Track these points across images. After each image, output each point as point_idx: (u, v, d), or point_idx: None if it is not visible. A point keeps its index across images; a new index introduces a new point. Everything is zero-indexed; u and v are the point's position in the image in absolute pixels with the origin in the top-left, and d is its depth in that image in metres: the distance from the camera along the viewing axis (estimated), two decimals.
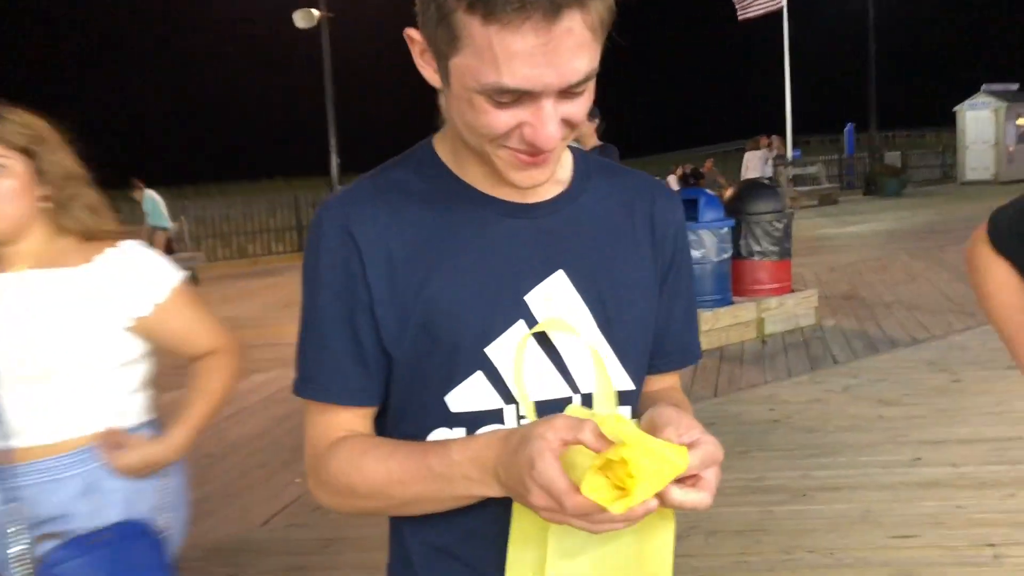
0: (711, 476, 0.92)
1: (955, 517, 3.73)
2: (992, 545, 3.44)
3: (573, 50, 0.91)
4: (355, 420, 1.11)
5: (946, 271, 10.47)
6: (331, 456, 1.08)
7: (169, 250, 14.60)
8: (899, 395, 5.59)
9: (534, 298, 1.07)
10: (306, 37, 16.78)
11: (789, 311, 7.85)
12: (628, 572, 0.97)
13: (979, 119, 25.83)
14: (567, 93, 0.95)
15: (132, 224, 14.71)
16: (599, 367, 1.06)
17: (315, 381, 1.10)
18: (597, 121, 5.86)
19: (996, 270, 1.48)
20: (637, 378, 1.15)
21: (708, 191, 7.95)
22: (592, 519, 0.88)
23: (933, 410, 5.23)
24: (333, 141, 16.44)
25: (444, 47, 0.95)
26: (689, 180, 18.94)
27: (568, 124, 0.98)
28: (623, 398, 1.11)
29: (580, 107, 0.97)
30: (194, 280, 14.69)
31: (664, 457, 0.86)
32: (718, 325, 7.32)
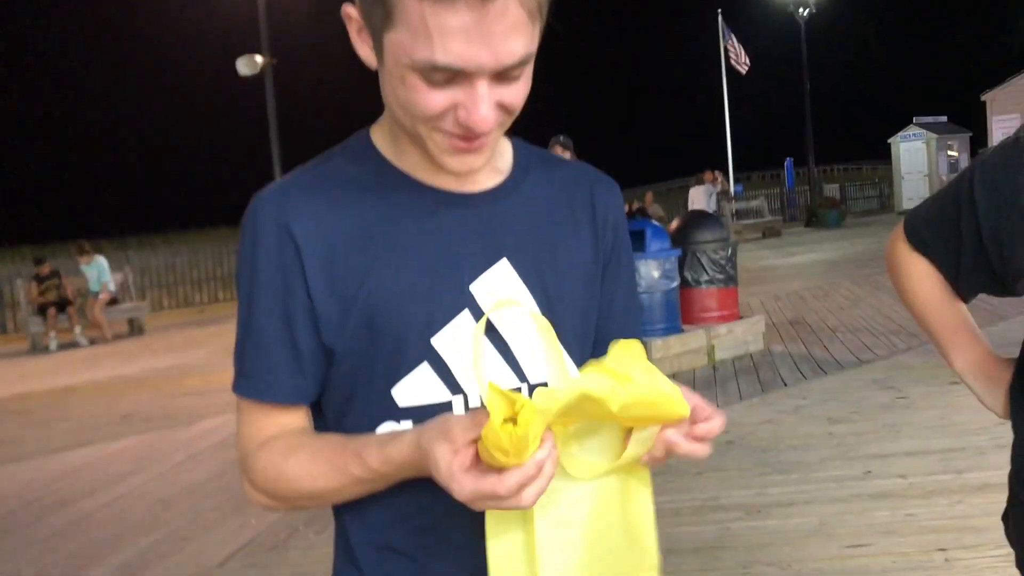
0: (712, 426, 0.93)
1: (906, 525, 3.81)
2: (943, 550, 3.51)
3: (508, 31, 0.90)
4: (287, 418, 1.08)
5: (887, 295, 10.72)
6: (257, 458, 1.06)
7: (113, 302, 14.33)
8: (848, 413, 5.71)
9: (479, 287, 1.05)
10: (249, 84, 16.76)
11: (738, 338, 7.97)
12: (615, 538, 0.97)
13: (912, 151, 26.65)
14: (503, 76, 0.93)
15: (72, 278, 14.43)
16: (549, 337, 1.02)
17: (249, 378, 1.07)
18: (569, 152, 5.95)
19: (914, 266, 1.53)
20: (581, 365, 1.12)
21: (654, 222, 8.08)
22: (527, 484, 0.85)
23: (881, 425, 5.35)
24: None
25: (379, 23, 0.94)
26: (635, 215, 19.19)
27: (504, 109, 0.96)
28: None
29: (516, 92, 0.96)
30: (139, 330, 14.44)
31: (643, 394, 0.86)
32: (669, 353, 7.40)
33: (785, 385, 6.71)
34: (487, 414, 0.83)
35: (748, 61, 27.06)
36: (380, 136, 1.09)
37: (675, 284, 7.62)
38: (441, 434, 0.88)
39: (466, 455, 0.86)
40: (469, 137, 0.97)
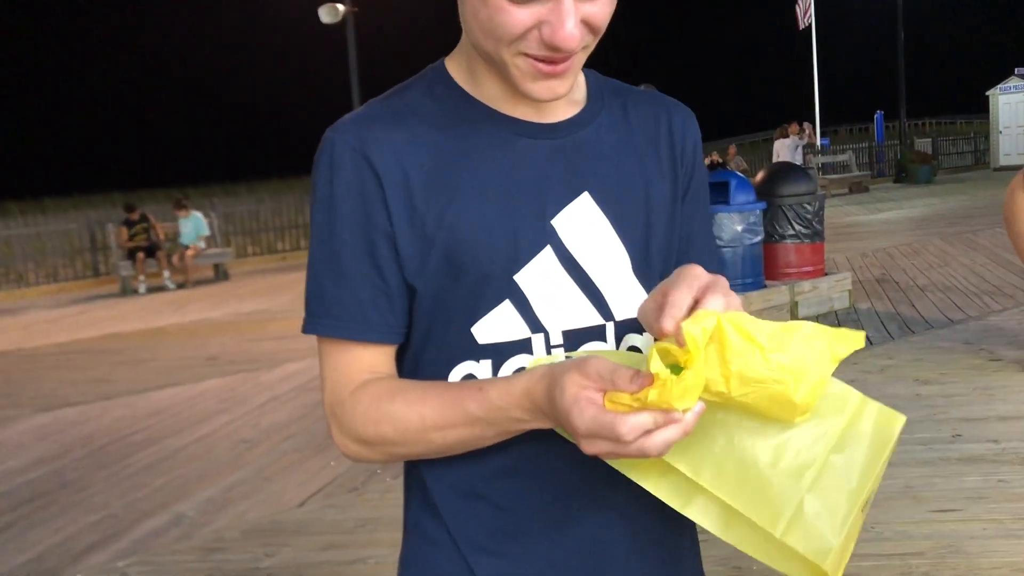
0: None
1: (999, 491, 3.67)
2: None
3: None
4: (378, 359, 1.02)
5: (980, 254, 10.32)
6: (355, 403, 1.00)
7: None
8: (936, 374, 5.51)
9: (561, 222, 1.01)
10: (331, 32, 16.84)
11: (823, 294, 7.77)
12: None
13: (1012, 103, 25.42)
14: None
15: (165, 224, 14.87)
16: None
17: (333, 316, 1.00)
18: None
19: None
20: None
21: (739, 174, 7.88)
22: (655, 431, 0.79)
23: (971, 388, 5.15)
24: None
25: None
26: (716, 167, 18.83)
27: (588, 27, 0.92)
28: None
29: (602, 8, 0.92)
30: (224, 276, 14.82)
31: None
32: (751, 308, 7.24)
33: (871, 344, 6.52)
34: (620, 372, 0.80)
35: (811, 19, 26.13)
36: (456, 67, 1.05)
37: (759, 238, 7.43)
38: (576, 366, 0.84)
39: (595, 390, 0.82)
40: (555, 60, 0.93)
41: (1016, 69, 25.78)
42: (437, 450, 1.00)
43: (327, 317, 1.02)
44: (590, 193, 1.03)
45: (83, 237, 16.20)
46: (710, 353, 0.80)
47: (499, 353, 1.00)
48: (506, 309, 1.00)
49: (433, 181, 0.99)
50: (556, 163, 1.02)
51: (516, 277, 1.00)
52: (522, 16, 0.90)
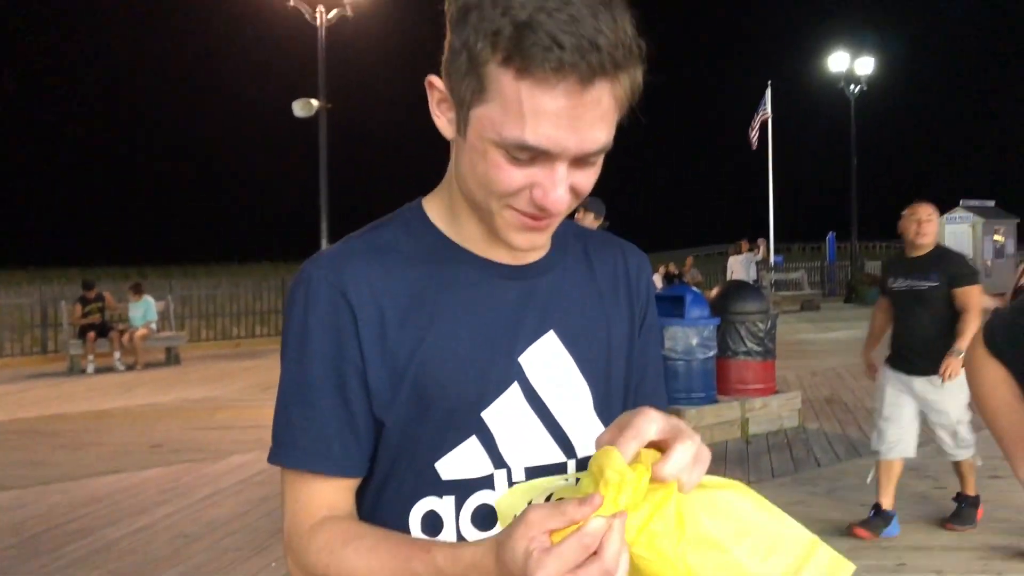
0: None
1: None
2: None
3: (597, 119, 0.92)
4: (338, 495, 1.03)
5: None
6: (311, 540, 1.00)
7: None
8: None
9: (527, 359, 1.05)
10: (303, 125, 17.09)
11: (773, 412, 7.86)
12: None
13: (957, 233, 26.35)
14: (580, 162, 0.95)
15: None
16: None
17: (299, 447, 1.02)
18: (601, 219, 5.95)
19: (990, 370, 1.53)
20: None
21: (694, 289, 8.05)
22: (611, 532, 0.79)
23: (917, 515, 5.22)
24: (324, 225, 16.58)
25: (469, 96, 0.94)
26: (673, 279, 19.16)
27: (574, 193, 0.98)
28: None
29: (589, 178, 0.98)
30: (176, 360, 14.59)
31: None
32: (703, 423, 7.31)
33: (819, 465, 6.59)
34: (564, 506, 0.80)
35: (756, 139, 27.03)
36: (433, 208, 1.10)
37: (712, 353, 7.55)
38: (516, 524, 0.83)
39: (544, 536, 0.80)
40: (539, 216, 0.98)
41: (961, 200, 26.87)
42: None
43: (293, 448, 1.03)
44: (555, 332, 1.07)
45: (35, 312, 15.91)
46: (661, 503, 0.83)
47: (462, 489, 1.02)
48: (472, 445, 1.02)
49: (407, 316, 1.02)
50: (525, 303, 1.07)
51: (483, 414, 1.02)
52: (517, 176, 0.95)
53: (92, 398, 11.13)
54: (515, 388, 1.04)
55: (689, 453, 0.84)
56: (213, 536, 5.25)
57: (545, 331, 1.07)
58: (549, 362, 1.06)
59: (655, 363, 1.22)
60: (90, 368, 13.60)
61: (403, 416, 1.02)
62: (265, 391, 11.00)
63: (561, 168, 0.94)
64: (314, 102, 16.45)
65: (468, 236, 1.07)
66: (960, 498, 5.05)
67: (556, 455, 1.05)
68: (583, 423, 1.07)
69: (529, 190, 0.96)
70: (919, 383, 4.83)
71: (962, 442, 4.83)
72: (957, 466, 5.02)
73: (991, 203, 27.37)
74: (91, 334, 13.66)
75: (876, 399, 5.11)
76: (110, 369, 13.72)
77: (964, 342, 4.47)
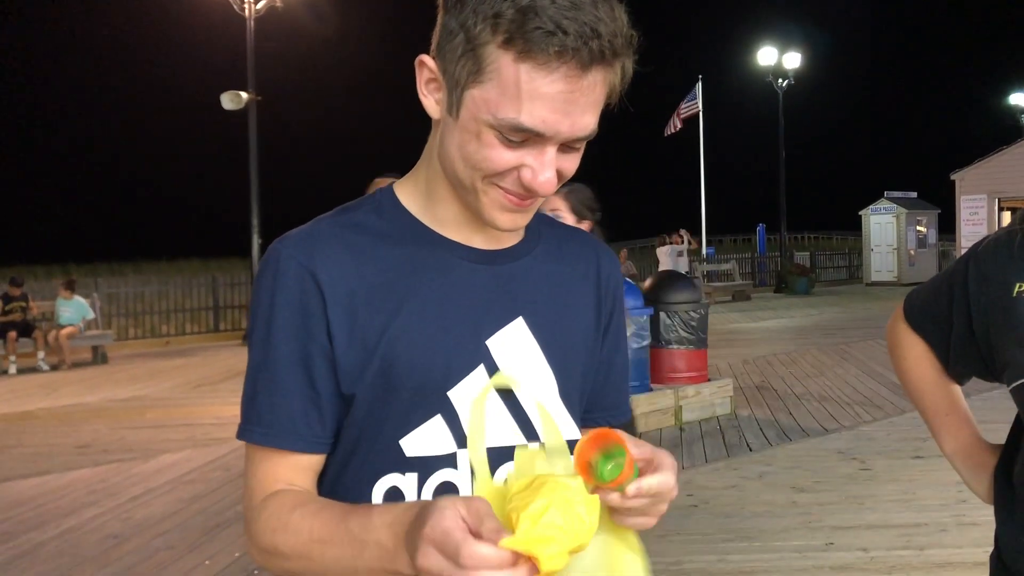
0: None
1: None
2: None
3: (589, 105, 0.95)
4: (298, 470, 1.04)
5: (853, 365, 10.83)
6: (262, 509, 1.02)
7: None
8: (811, 482, 5.72)
9: (495, 343, 1.06)
10: (232, 118, 16.78)
11: (706, 399, 8.00)
12: None
13: (882, 223, 27.12)
14: (568, 147, 0.98)
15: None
16: (546, 419, 1.04)
17: (263, 424, 1.04)
18: (594, 224, 5.93)
19: (911, 346, 1.56)
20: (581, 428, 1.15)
21: (629, 279, 8.13)
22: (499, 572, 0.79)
23: (844, 496, 5.36)
24: (256, 221, 16.29)
25: (464, 77, 0.96)
26: None
27: (560, 176, 1.00)
28: (572, 447, 1.07)
29: (573, 162, 1.00)
30: (103, 359, 14.22)
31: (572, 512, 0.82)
32: (637, 412, 7.39)
33: (751, 450, 6.72)
34: (499, 529, 0.80)
35: (677, 127, 26.88)
36: (405, 192, 1.11)
37: (646, 343, 7.64)
38: (460, 499, 0.84)
39: (466, 520, 0.81)
40: (525, 196, 1.00)
41: (886, 192, 27.64)
42: (317, 570, 0.97)
43: (258, 425, 1.05)
44: (524, 318, 1.09)
45: None
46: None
47: (426, 466, 1.03)
48: (436, 423, 1.03)
49: (377, 295, 1.03)
50: (495, 288, 1.08)
51: (449, 393, 1.04)
52: (508, 157, 0.97)
53: (13, 400, 10.78)
54: (481, 370, 1.05)
55: (668, 486, 0.94)
56: (144, 536, 5.14)
57: (514, 317, 1.08)
58: (516, 347, 1.07)
59: (620, 373, 1.23)
60: (12, 369, 13.17)
61: (371, 392, 1.03)
62: (196, 389, 10.80)
63: (551, 151, 0.97)
64: (243, 94, 16.16)
65: (442, 219, 1.08)
66: None
67: (518, 438, 1.06)
68: (547, 408, 1.08)
69: (517, 171, 0.98)
70: None
71: None
72: None
73: (914, 194, 28.22)
74: (12, 333, 13.23)
75: None
76: (34, 369, 13.32)
77: None
